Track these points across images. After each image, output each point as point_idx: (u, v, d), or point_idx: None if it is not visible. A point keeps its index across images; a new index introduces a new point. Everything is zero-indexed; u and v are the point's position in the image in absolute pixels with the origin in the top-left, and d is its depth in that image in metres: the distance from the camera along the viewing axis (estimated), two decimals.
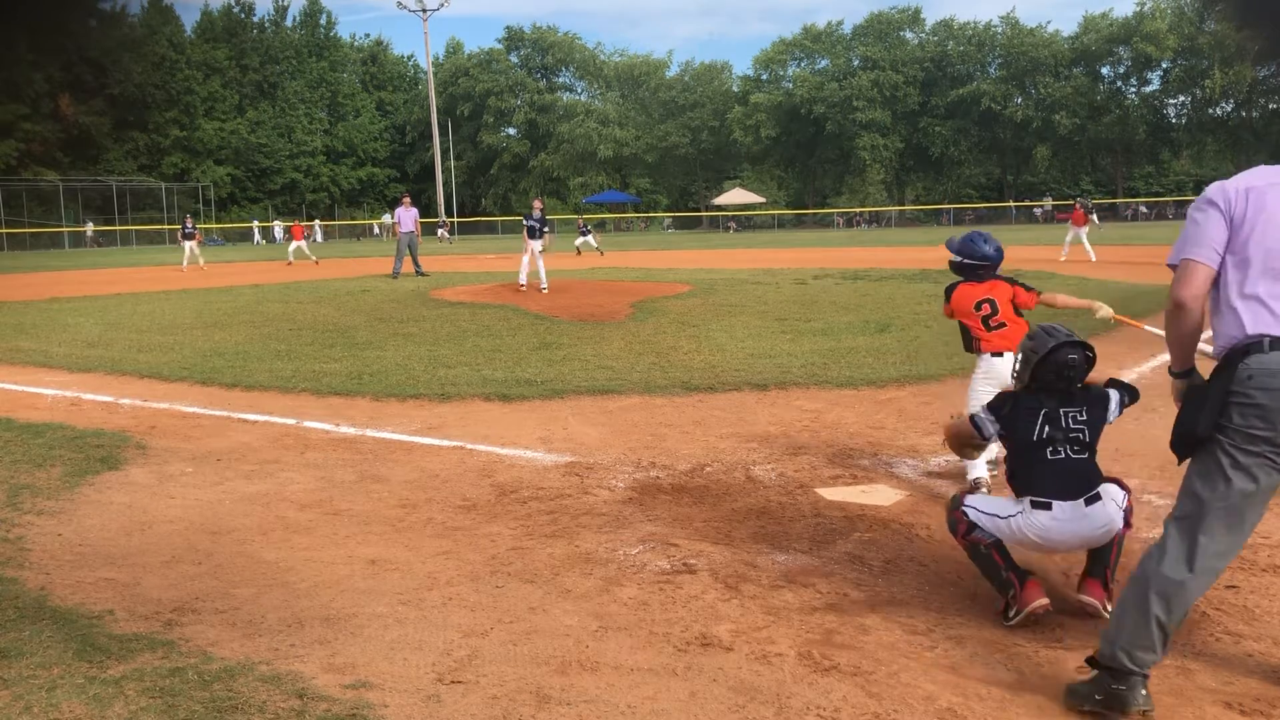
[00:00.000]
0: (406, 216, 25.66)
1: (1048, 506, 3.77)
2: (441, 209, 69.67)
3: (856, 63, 74.58)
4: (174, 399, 8.96)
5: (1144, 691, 3.10)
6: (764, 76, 78.82)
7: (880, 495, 5.52)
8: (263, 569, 4.57)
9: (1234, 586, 4.12)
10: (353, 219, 74.21)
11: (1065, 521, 3.77)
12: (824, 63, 76.48)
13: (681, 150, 79.64)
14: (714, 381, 9.05)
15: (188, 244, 33.00)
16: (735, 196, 74.91)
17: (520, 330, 13.06)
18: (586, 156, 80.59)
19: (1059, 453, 3.81)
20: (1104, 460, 6.14)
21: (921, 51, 74.58)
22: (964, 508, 3.97)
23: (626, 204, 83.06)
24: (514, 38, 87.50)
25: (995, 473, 5.51)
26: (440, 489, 5.87)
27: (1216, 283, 3.10)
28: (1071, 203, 43.06)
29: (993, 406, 3.99)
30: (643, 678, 3.40)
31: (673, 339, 11.91)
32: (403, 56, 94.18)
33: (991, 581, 3.93)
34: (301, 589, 4.30)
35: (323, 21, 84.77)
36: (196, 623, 3.92)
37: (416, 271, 24.91)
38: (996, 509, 3.92)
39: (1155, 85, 71.34)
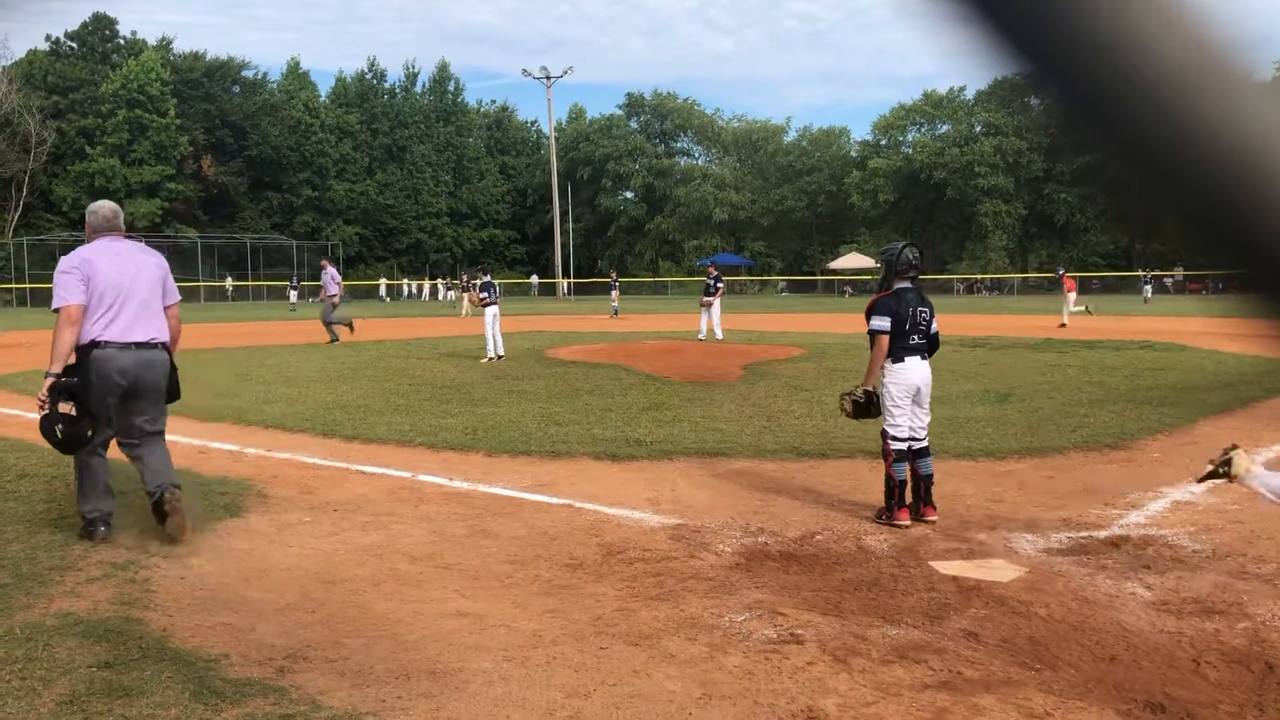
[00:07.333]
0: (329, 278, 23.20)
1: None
2: (559, 269, 70.75)
3: (979, 128, 73.73)
4: (296, 449, 9.23)
5: (104, 527, 5.75)
6: (883, 142, 78.45)
7: (997, 570, 5.34)
8: (373, 620, 4.64)
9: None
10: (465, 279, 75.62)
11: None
12: (945, 128, 75.84)
13: (797, 214, 79.60)
14: (826, 447, 8.94)
15: (465, 296, 37.19)
16: (851, 260, 74.31)
17: (631, 390, 13.11)
18: (702, 220, 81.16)
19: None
20: (1239, 541, 5.86)
21: (1047, 118, 73.25)
22: (888, 440, 6.40)
23: (741, 267, 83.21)
24: (634, 104, 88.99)
25: None
26: (548, 546, 5.89)
27: None
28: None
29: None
30: None
31: (784, 402, 11.81)
32: (526, 122, 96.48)
33: (886, 501, 6.34)
34: (410, 641, 4.35)
35: (450, 88, 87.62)
36: (307, 670, 3.99)
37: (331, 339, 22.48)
38: (894, 416, 6.39)
39: None
